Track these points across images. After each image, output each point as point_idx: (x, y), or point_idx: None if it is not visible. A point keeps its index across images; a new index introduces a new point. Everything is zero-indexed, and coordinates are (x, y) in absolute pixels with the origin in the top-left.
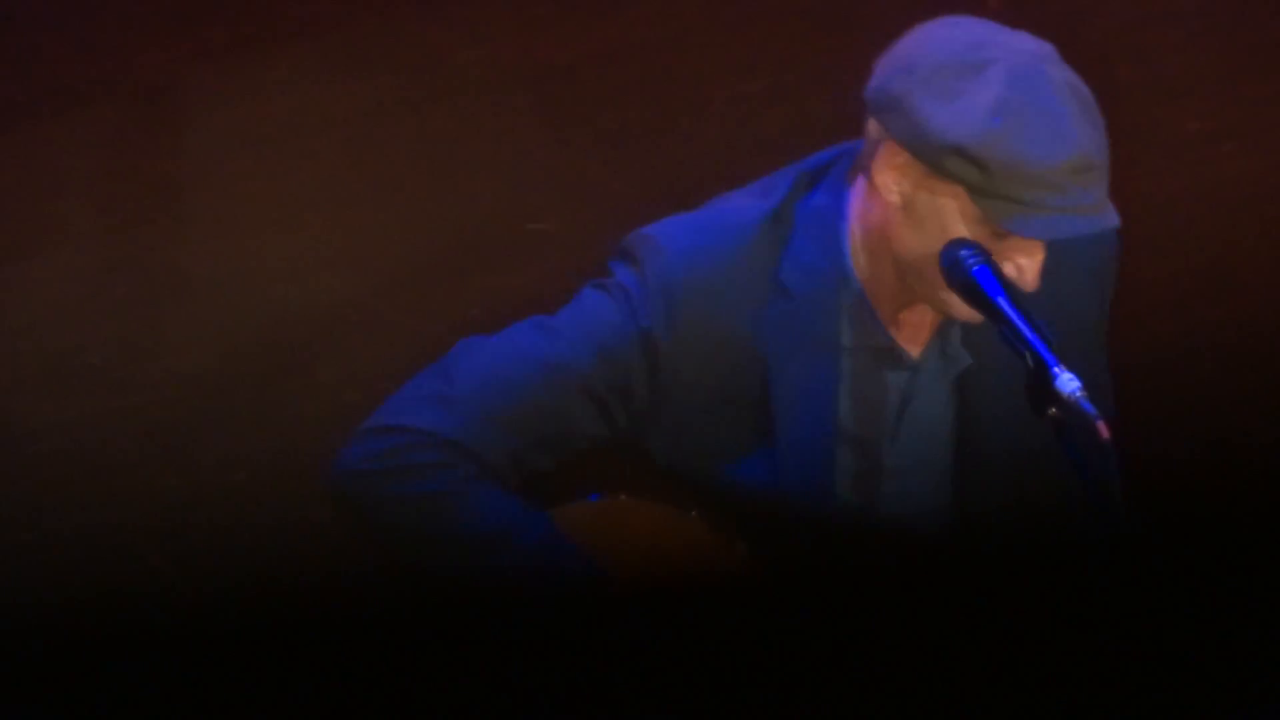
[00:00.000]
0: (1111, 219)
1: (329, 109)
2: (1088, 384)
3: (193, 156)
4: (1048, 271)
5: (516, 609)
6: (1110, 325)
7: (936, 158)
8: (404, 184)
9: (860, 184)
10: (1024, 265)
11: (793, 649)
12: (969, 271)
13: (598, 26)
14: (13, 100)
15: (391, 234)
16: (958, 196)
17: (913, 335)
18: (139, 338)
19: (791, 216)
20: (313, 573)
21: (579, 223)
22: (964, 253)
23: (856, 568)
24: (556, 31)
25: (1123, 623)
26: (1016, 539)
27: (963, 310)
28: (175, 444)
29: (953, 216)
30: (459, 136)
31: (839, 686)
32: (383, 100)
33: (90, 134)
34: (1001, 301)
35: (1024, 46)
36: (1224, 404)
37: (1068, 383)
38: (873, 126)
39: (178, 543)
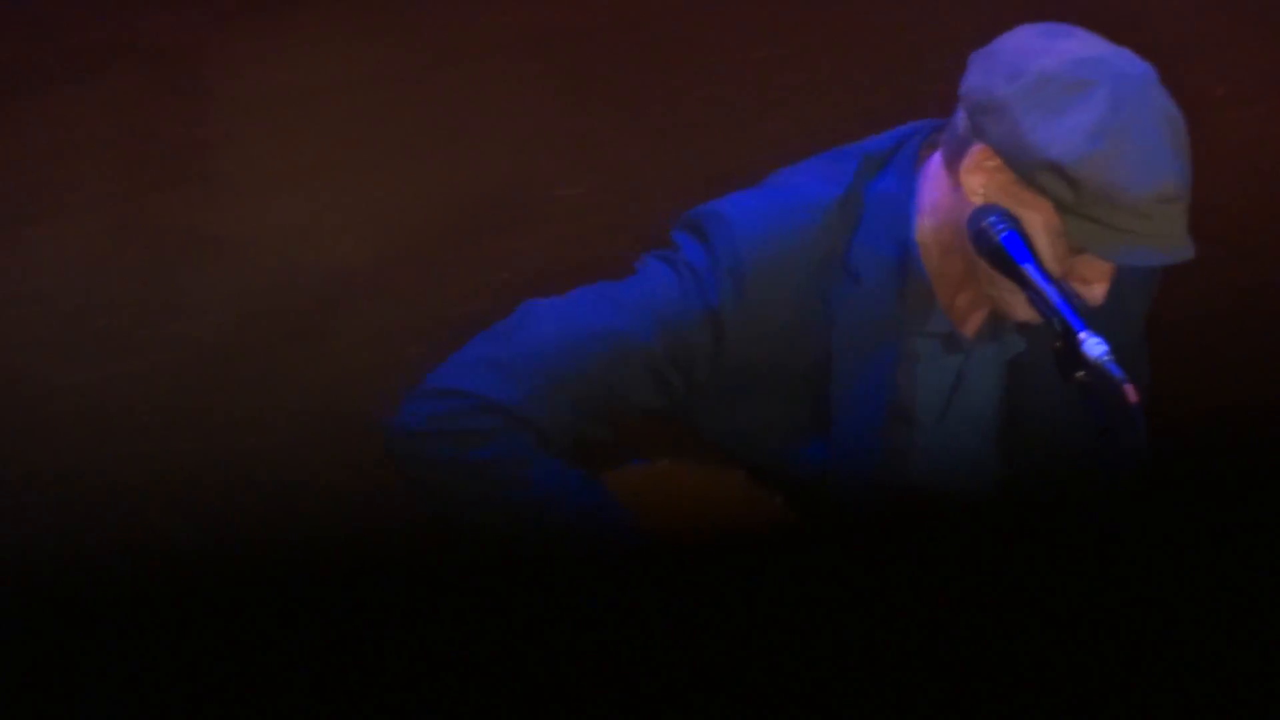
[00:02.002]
0: (1187, 252)
1: (346, 72)
2: (1129, 367)
3: (209, 120)
4: None
5: (568, 574)
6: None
7: (1031, 171)
8: (421, 148)
9: (936, 174)
10: (1094, 284)
11: (836, 607)
12: (997, 237)
13: None
14: (30, 64)
15: (407, 198)
16: (1043, 210)
17: (968, 319)
18: (155, 301)
19: (860, 200)
20: (329, 536)
21: (595, 186)
22: (992, 219)
23: (901, 536)
24: None
25: (1152, 595)
26: (1062, 517)
27: (1025, 311)
28: (191, 407)
29: (1035, 227)
30: (476, 100)
31: (883, 651)
32: (400, 63)
33: (107, 98)
34: (1029, 267)
35: (1129, 69)
36: (1246, 367)
37: (1094, 346)
38: (964, 123)
39: (192, 506)
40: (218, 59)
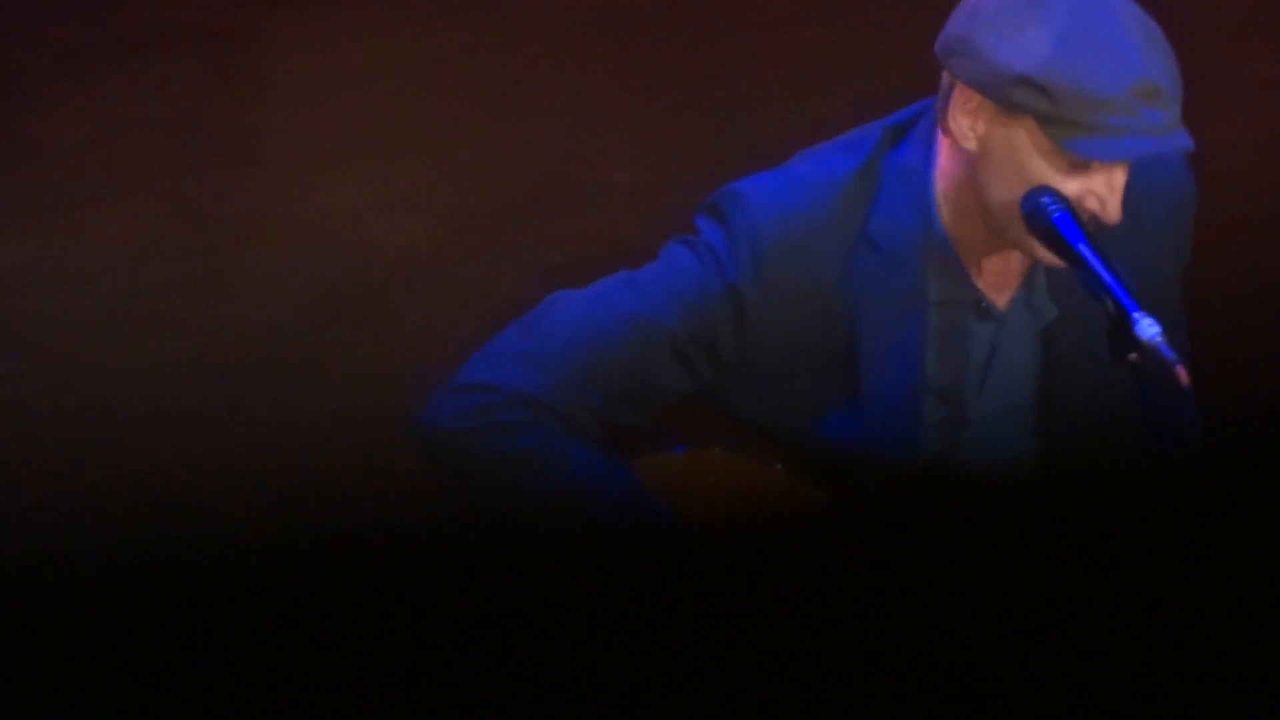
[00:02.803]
0: (1183, 141)
1: (401, 55)
2: (1167, 331)
3: (261, 103)
4: (1128, 224)
5: (601, 560)
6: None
7: (1004, 91)
8: (472, 130)
9: (941, 137)
10: (1104, 196)
11: (872, 596)
12: (1050, 218)
13: None
14: (86, 46)
15: (458, 181)
16: (1029, 129)
17: (999, 287)
18: (210, 283)
19: (879, 171)
20: (383, 517)
21: (649, 166)
22: (1045, 199)
23: (939, 516)
24: None
25: (1200, 568)
26: (1101, 488)
27: (1048, 254)
28: (242, 389)
29: (1027, 151)
30: (531, 82)
31: (921, 637)
32: (455, 45)
33: (158, 81)
34: (1082, 247)
35: None
36: None
37: (1147, 328)
38: (945, 78)
39: (246, 488)
40: (270, 42)
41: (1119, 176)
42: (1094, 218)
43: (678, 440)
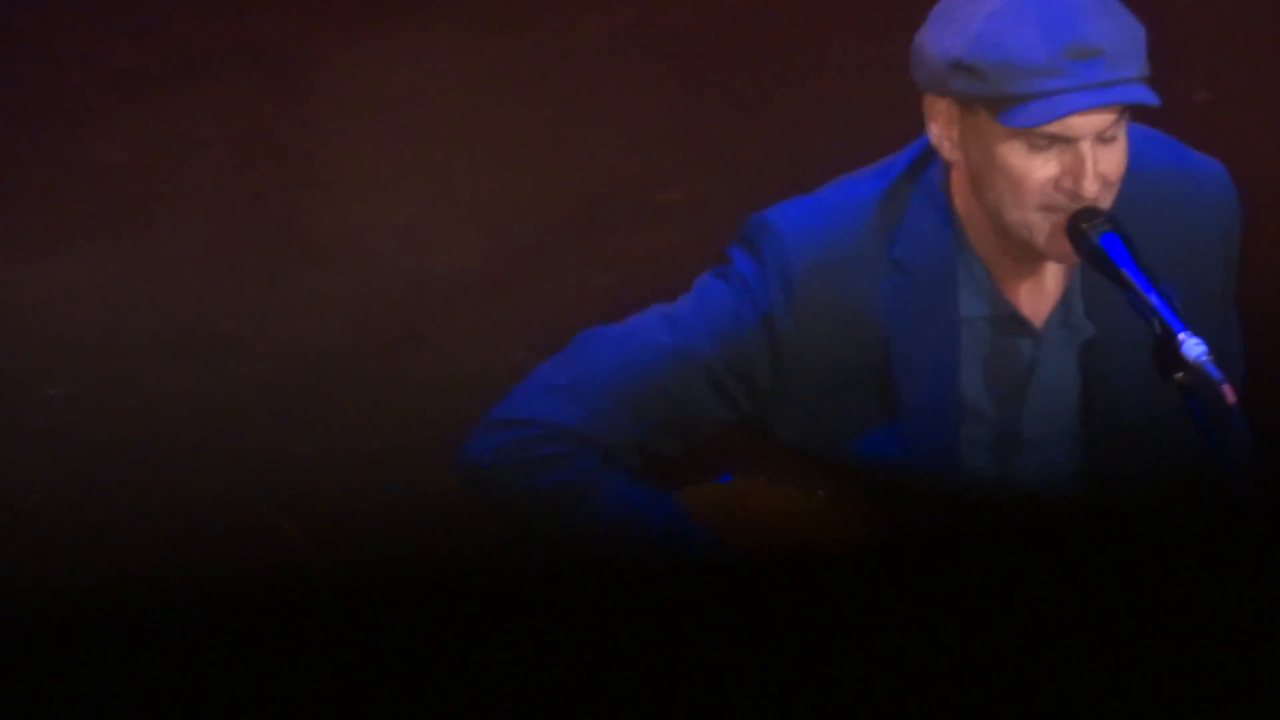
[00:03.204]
0: (1124, 94)
1: (456, 76)
2: (1213, 349)
3: (319, 123)
4: (1173, 238)
5: (647, 588)
6: None
7: (944, 82)
8: (531, 150)
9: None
10: (1076, 172)
11: (918, 623)
12: (1096, 239)
13: None
14: (142, 68)
15: (518, 200)
16: (985, 121)
17: (1034, 304)
18: (268, 305)
19: (906, 193)
20: (443, 540)
21: (705, 187)
22: (1091, 222)
23: (986, 538)
24: None
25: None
26: (1148, 506)
27: (1055, 244)
28: (305, 411)
29: (992, 145)
30: (586, 102)
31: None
32: (509, 66)
33: (219, 102)
34: (1127, 267)
35: None
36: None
37: (1194, 347)
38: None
39: (308, 510)
40: (328, 62)
41: (1086, 148)
42: (1074, 193)
43: (723, 469)
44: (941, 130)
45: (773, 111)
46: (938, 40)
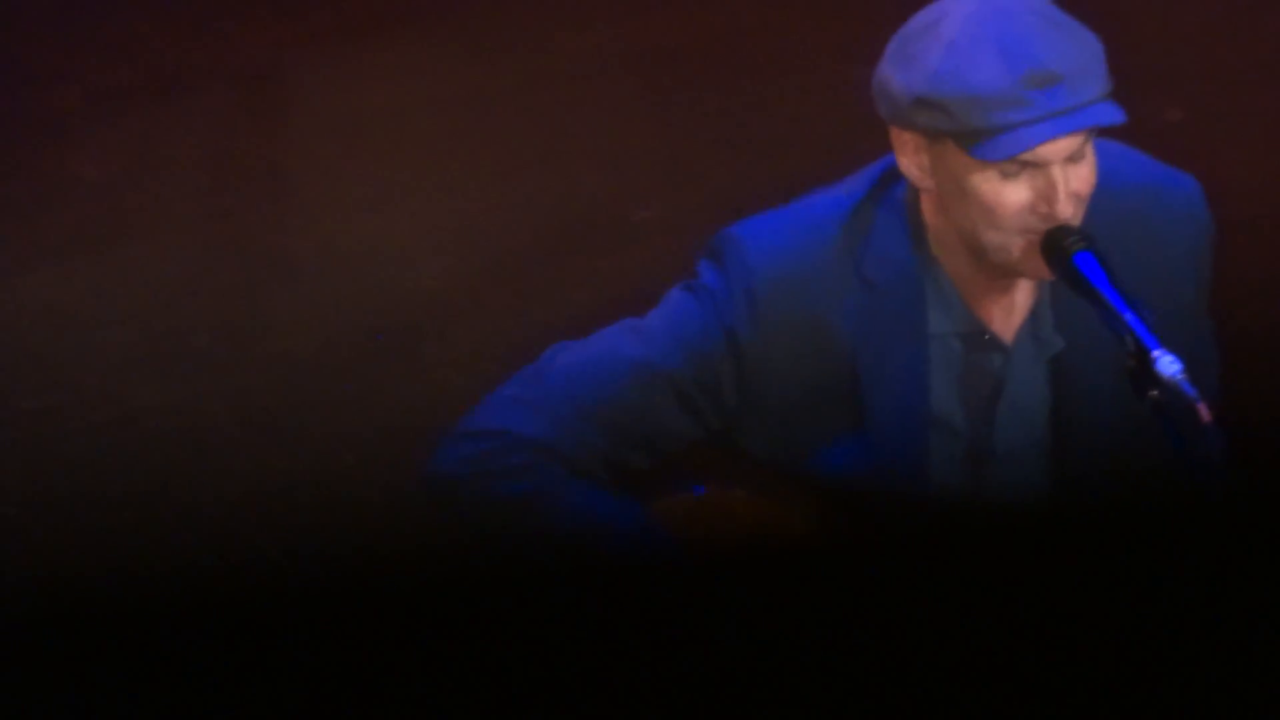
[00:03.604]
0: (1092, 117)
1: (433, 94)
2: (1187, 364)
3: (297, 141)
4: (1146, 255)
5: (611, 596)
6: None
7: (910, 118)
8: (508, 168)
9: None
10: (1049, 196)
11: (885, 633)
12: (1069, 257)
13: (702, 11)
14: (117, 85)
15: (495, 218)
16: (953, 151)
17: (1005, 320)
18: (243, 321)
19: (873, 210)
20: (419, 554)
21: (683, 206)
22: (1066, 241)
23: (958, 550)
24: (661, 16)
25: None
26: (1121, 517)
27: (1029, 261)
28: (280, 427)
29: (963, 174)
30: (563, 121)
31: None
32: (486, 85)
33: (195, 119)
34: (1101, 285)
35: None
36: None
37: (1168, 365)
38: None
39: (283, 525)
40: (305, 80)
41: (1056, 172)
42: (1049, 215)
43: (695, 481)
44: (910, 160)
45: (749, 130)
46: (898, 75)
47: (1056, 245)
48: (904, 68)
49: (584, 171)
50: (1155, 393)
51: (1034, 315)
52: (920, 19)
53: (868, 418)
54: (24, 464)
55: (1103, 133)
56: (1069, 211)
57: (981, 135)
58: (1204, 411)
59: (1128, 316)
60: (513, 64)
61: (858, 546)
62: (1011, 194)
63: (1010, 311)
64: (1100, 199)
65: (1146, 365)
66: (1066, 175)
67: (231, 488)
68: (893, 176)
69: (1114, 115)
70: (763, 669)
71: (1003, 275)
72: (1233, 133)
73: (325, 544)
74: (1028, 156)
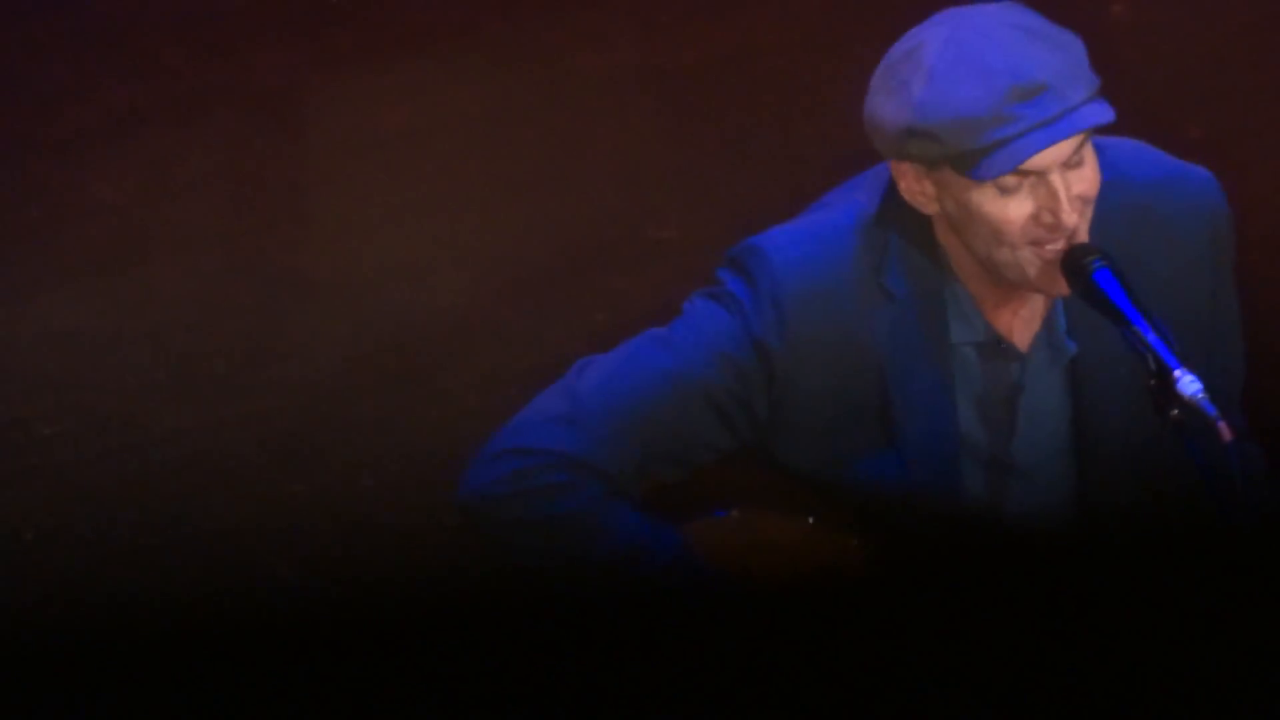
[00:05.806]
0: (1080, 122)
1: (450, 113)
2: (1206, 368)
3: (315, 161)
4: (1159, 245)
5: (652, 622)
6: None
7: (903, 149)
8: (526, 187)
9: None
10: (1051, 207)
11: (916, 651)
12: (1090, 275)
13: (719, 29)
14: (135, 106)
15: (514, 237)
16: (948, 175)
17: (1020, 329)
18: (262, 343)
19: (890, 220)
20: (440, 577)
21: (700, 225)
22: (1086, 259)
23: (983, 564)
24: (678, 34)
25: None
26: (1144, 525)
27: (1042, 275)
28: (300, 449)
29: (964, 196)
30: (581, 140)
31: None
32: (504, 104)
33: (213, 139)
34: (1122, 304)
35: (964, 10)
36: None
37: (1189, 384)
38: None
39: (303, 548)
40: (323, 100)
41: (1056, 179)
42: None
43: (718, 504)
44: (913, 188)
45: (767, 148)
46: (885, 109)
47: (1076, 263)
48: (889, 100)
49: (603, 190)
50: (1176, 411)
51: (1048, 322)
52: (899, 48)
53: (899, 436)
54: (42, 489)
55: (1114, 131)
56: (1074, 217)
57: (975, 156)
58: (1225, 431)
59: (1148, 335)
60: (531, 83)
61: (885, 562)
62: (1015, 209)
63: (1026, 320)
64: (1114, 195)
65: (1168, 384)
66: (1067, 181)
67: (250, 512)
68: None
69: (1103, 115)
70: (793, 690)
71: (1019, 289)
72: (1253, 151)
73: (345, 568)
74: (1024, 168)
